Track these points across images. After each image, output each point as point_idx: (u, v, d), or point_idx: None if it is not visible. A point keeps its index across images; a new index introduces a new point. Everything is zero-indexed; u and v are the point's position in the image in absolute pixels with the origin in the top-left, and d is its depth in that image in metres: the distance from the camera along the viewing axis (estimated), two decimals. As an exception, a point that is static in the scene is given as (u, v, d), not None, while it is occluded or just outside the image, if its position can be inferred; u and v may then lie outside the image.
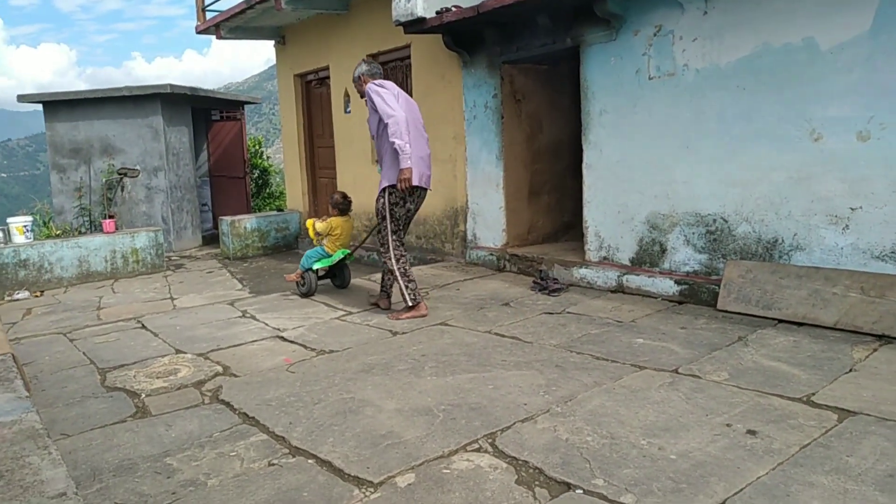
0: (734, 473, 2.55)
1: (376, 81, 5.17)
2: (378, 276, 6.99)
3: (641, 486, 2.50)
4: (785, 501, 2.34)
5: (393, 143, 4.87)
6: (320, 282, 6.27)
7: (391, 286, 5.56)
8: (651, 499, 2.41)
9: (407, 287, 5.17)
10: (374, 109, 5.03)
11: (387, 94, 5.00)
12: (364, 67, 5.33)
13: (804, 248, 4.57)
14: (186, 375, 4.07)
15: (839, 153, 4.34)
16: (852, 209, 4.32)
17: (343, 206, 6.19)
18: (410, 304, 5.17)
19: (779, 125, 4.61)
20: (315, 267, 6.11)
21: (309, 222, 6.28)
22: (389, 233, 5.17)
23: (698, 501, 2.38)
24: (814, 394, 3.26)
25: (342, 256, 6.15)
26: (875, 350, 3.84)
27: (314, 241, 6.30)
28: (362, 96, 5.28)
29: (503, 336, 4.54)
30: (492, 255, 7.06)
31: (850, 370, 3.55)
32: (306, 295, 6.12)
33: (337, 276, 6.40)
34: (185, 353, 4.56)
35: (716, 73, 4.92)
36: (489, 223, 7.14)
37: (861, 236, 4.30)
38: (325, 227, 6.12)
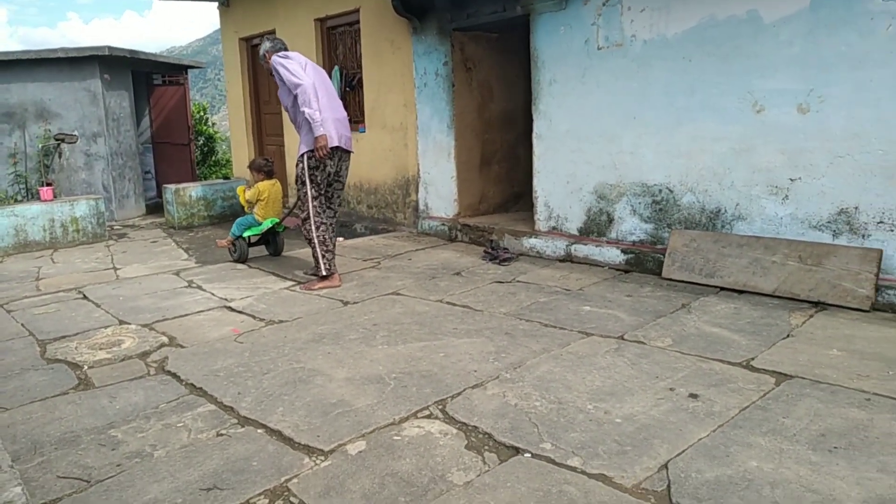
0: (676, 435, 2.64)
1: (280, 53, 5.19)
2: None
3: (588, 449, 2.57)
4: (724, 461, 2.44)
5: (303, 111, 4.88)
6: (253, 248, 6.38)
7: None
8: (597, 461, 2.48)
9: (324, 256, 5.15)
10: (283, 81, 5.05)
11: (292, 64, 5.01)
12: (267, 45, 5.36)
13: (746, 218, 4.70)
14: (131, 346, 3.98)
15: (780, 125, 4.46)
16: (792, 180, 4.45)
17: (268, 169, 6.24)
18: (324, 273, 5.14)
19: (723, 97, 4.70)
20: (245, 235, 6.18)
21: (239, 190, 6.31)
22: (310, 199, 5.14)
23: (642, 463, 2.46)
24: (753, 358, 3.39)
25: (271, 225, 6.16)
26: (811, 316, 3.99)
27: (245, 209, 6.32)
28: (271, 74, 5.29)
29: (454, 305, 4.56)
30: (444, 224, 7.06)
31: (788, 336, 3.69)
32: (239, 261, 6.20)
33: (270, 244, 6.43)
34: (129, 323, 4.46)
35: (663, 44, 4.98)
36: (441, 193, 7.13)
37: (800, 206, 4.44)
38: (254, 194, 6.14)
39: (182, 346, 3.95)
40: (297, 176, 5.20)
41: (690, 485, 2.30)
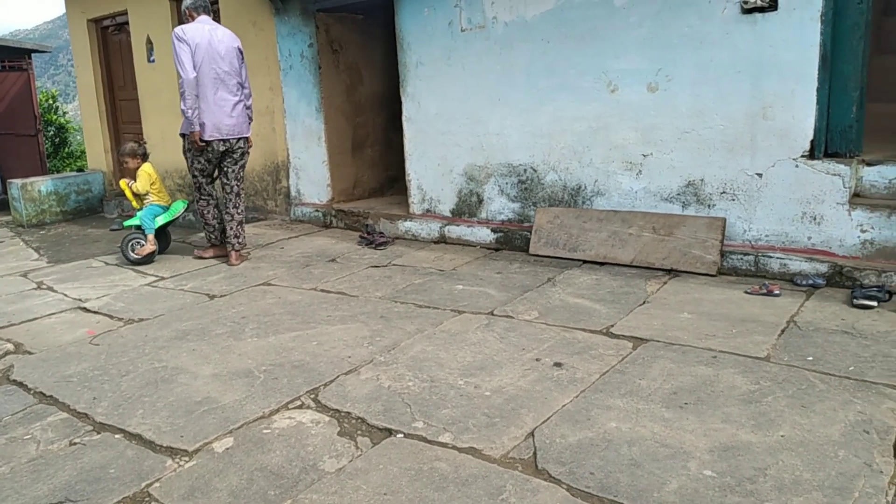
0: (542, 404, 2.74)
1: (180, 28, 5.19)
2: (194, 236, 6.67)
3: (458, 424, 2.61)
4: (586, 425, 2.55)
5: (181, 103, 5.11)
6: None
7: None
8: (467, 435, 2.53)
9: (205, 227, 5.73)
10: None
11: (182, 50, 5.10)
12: (188, 1, 5.35)
13: (604, 194, 4.93)
14: (-30, 357, 3.64)
15: (632, 104, 4.69)
16: (644, 156, 4.70)
17: (143, 152, 5.79)
18: (208, 244, 5.78)
19: (580, 77, 4.89)
20: (159, 223, 5.67)
21: (122, 185, 5.70)
22: (192, 177, 5.54)
23: (509, 433, 2.53)
24: (612, 325, 3.57)
25: (184, 207, 5.86)
26: (665, 283, 4.25)
27: (135, 205, 5.76)
28: None
29: (329, 292, 4.50)
30: (317, 211, 6.93)
31: (644, 302, 3.92)
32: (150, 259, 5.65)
33: (161, 240, 5.89)
34: (-32, 332, 4.07)
35: (523, 25, 5.09)
36: (313, 178, 6.99)
37: (652, 180, 4.70)
38: (147, 181, 5.64)
39: (30, 353, 3.66)
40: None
41: (555, 450, 2.39)
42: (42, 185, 9.06)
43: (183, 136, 5.37)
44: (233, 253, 5.44)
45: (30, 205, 8.89)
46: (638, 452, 2.35)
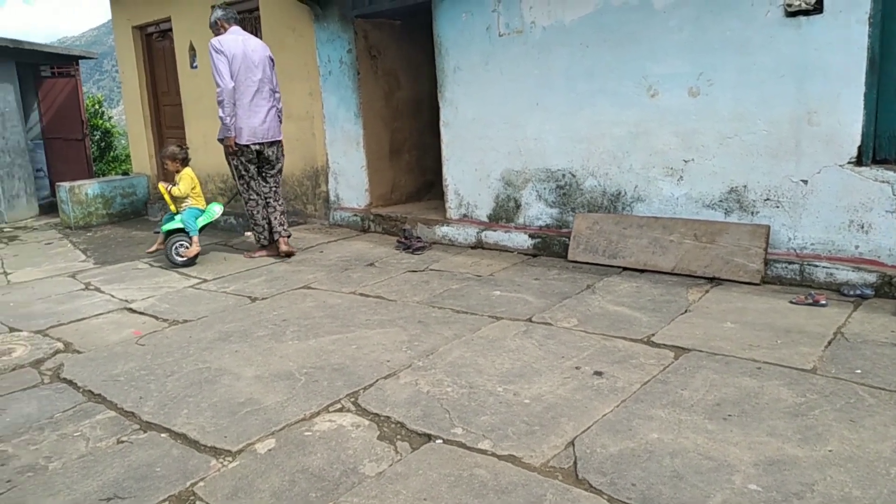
0: (582, 413, 2.72)
1: (217, 39, 5.48)
2: (236, 240, 6.79)
3: (497, 431, 2.61)
4: (627, 435, 2.53)
5: (219, 111, 5.43)
6: (161, 251, 5.92)
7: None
8: (507, 443, 2.53)
9: (254, 228, 5.91)
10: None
11: (220, 61, 5.40)
12: (219, 13, 5.66)
13: (644, 199, 4.88)
14: (22, 355, 3.76)
15: (673, 108, 4.64)
16: (685, 161, 4.65)
17: (184, 156, 5.93)
18: (257, 244, 5.95)
19: (619, 82, 4.85)
20: (201, 224, 5.83)
21: (161, 188, 5.82)
22: (235, 179, 5.81)
23: (549, 441, 2.52)
24: (653, 334, 3.53)
25: (221, 210, 6.04)
26: (707, 292, 4.19)
27: (172, 208, 5.84)
28: None
29: (367, 296, 4.53)
30: (356, 215, 6.99)
31: (686, 311, 3.87)
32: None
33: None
34: (20, 331, 4.21)
35: (561, 30, 5.08)
36: (352, 183, 7.05)
37: (693, 186, 4.64)
38: (189, 185, 5.78)
39: (79, 352, 3.76)
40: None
41: (596, 459, 2.37)
42: (89, 188, 9.30)
43: (221, 141, 5.62)
44: (281, 239, 5.76)
45: (77, 207, 9.14)
46: (681, 464, 2.32)
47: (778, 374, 2.96)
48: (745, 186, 4.42)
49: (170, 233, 5.76)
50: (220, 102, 5.39)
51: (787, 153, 4.22)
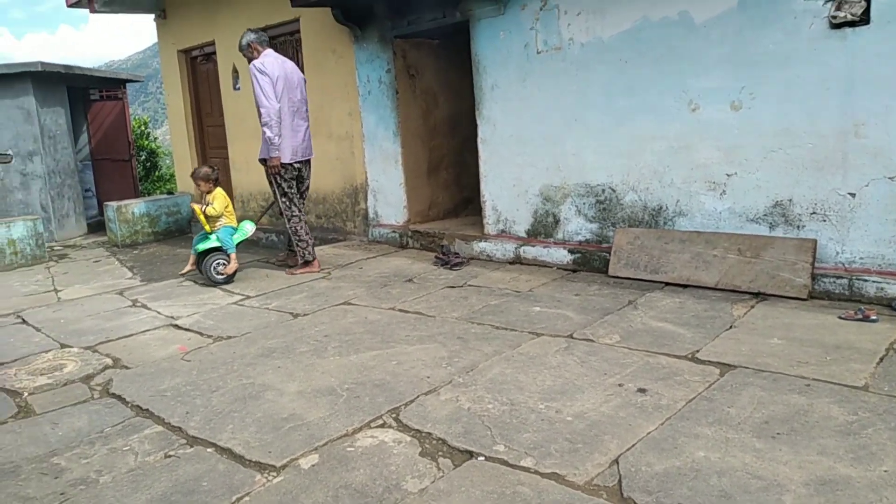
0: (626, 430, 2.69)
1: (259, 61, 5.62)
2: (278, 257, 6.89)
3: (540, 448, 2.59)
4: (672, 453, 2.49)
5: (264, 132, 5.58)
6: (192, 272, 6.03)
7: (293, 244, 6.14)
8: (549, 460, 2.51)
9: (298, 245, 5.97)
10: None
11: (265, 83, 5.54)
12: (252, 36, 5.79)
13: (686, 214, 4.82)
14: (73, 370, 3.87)
15: (715, 122, 4.59)
16: (728, 175, 4.59)
17: (216, 177, 6.01)
18: (301, 260, 6.00)
19: (659, 97, 4.82)
20: (238, 241, 5.95)
21: (196, 209, 5.88)
22: (278, 196, 5.91)
23: (593, 459, 2.49)
24: (698, 351, 3.47)
25: (253, 228, 6.13)
26: (752, 307, 4.11)
27: (207, 228, 5.88)
28: (250, 62, 5.71)
29: (407, 312, 4.56)
30: (394, 232, 7.05)
31: (731, 327, 3.80)
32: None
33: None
34: (70, 346, 4.32)
35: (600, 47, 5.07)
36: (390, 200, 7.11)
37: (737, 201, 4.57)
38: (223, 204, 5.90)
39: (127, 368, 3.85)
40: (267, 176, 5.90)
41: (641, 478, 2.34)
42: (135, 207, 9.55)
43: (263, 161, 5.77)
44: (315, 262, 5.99)
45: (124, 226, 9.39)
46: (728, 483, 2.27)
47: (828, 392, 2.89)
48: (790, 200, 4.34)
49: (205, 252, 5.84)
50: (267, 123, 5.53)
51: (834, 166, 4.14)
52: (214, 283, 5.76)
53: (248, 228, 6.09)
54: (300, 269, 5.97)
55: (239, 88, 8.81)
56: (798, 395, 2.88)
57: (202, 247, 5.84)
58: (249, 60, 5.75)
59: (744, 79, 4.42)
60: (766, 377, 3.09)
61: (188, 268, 6.05)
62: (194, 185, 6.07)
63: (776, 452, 2.44)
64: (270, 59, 5.65)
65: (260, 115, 5.62)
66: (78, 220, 11.22)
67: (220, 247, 5.80)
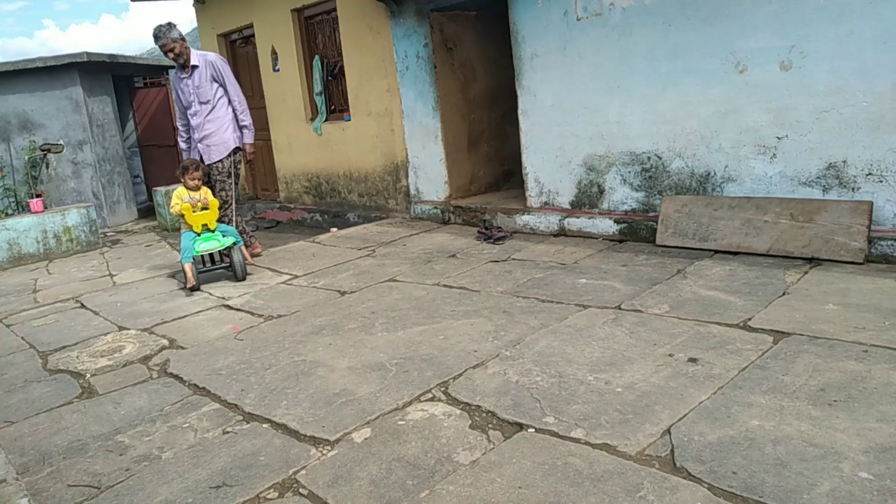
0: (677, 400, 2.66)
1: (214, 54, 6.06)
2: (322, 236, 6.97)
3: (590, 419, 2.59)
4: (726, 423, 2.46)
5: (244, 122, 6.01)
6: (214, 269, 5.52)
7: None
8: (600, 431, 2.50)
9: (243, 235, 6.08)
10: (221, 82, 5.92)
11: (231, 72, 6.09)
12: (177, 29, 5.83)
13: (735, 180, 4.70)
14: (132, 351, 4.00)
15: (763, 84, 4.44)
16: (779, 138, 4.45)
17: (208, 170, 5.86)
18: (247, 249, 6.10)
19: (705, 59, 4.68)
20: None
21: (186, 208, 5.29)
22: (236, 185, 6.06)
23: (644, 430, 2.48)
24: (750, 319, 3.40)
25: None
26: (806, 273, 4.01)
27: (196, 229, 5.35)
28: (177, 57, 5.79)
29: (451, 287, 4.57)
30: (436, 208, 7.05)
31: (784, 294, 3.71)
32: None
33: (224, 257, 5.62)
34: (128, 329, 4.47)
35: (642, 10, 4.94)
36: (431, 176, 7.11)
37: (788, 164, 4.44)
38: (215, 203, 5.40)
39: (183, 348, 3.96)
40: (224, 168, 5.99)
41: (694, 448, 2.32)
42: (183, 191, 9.75)
43: (237, 150, 6.03)
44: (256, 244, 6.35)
45: (173, 210, 9.60)
46: (784, 452, 2.23)
47: (887, 357, 2.81)
48: (844, 161, 4.19)
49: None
50: (245, 111, 6.02)
51: (891, 125, 3.98)
52: (246, 275, 5.44)
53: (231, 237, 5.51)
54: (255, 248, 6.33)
55: (278, 69, 8.88)
56: (855, 362, 2.80)
57: (202, 248, 5.30)
58: (177, 54, 5.74)
59: (793, 37, 4.26)
60: (821, 344, 3.01)
61: (192, 282, 5.20)
62: (182, 182, 5.46)
63: (833, 420, 2.39)
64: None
65: (209, 106, 5.89)
66: (128, 206, 11.52)
67: (222, 243, 5.36)
